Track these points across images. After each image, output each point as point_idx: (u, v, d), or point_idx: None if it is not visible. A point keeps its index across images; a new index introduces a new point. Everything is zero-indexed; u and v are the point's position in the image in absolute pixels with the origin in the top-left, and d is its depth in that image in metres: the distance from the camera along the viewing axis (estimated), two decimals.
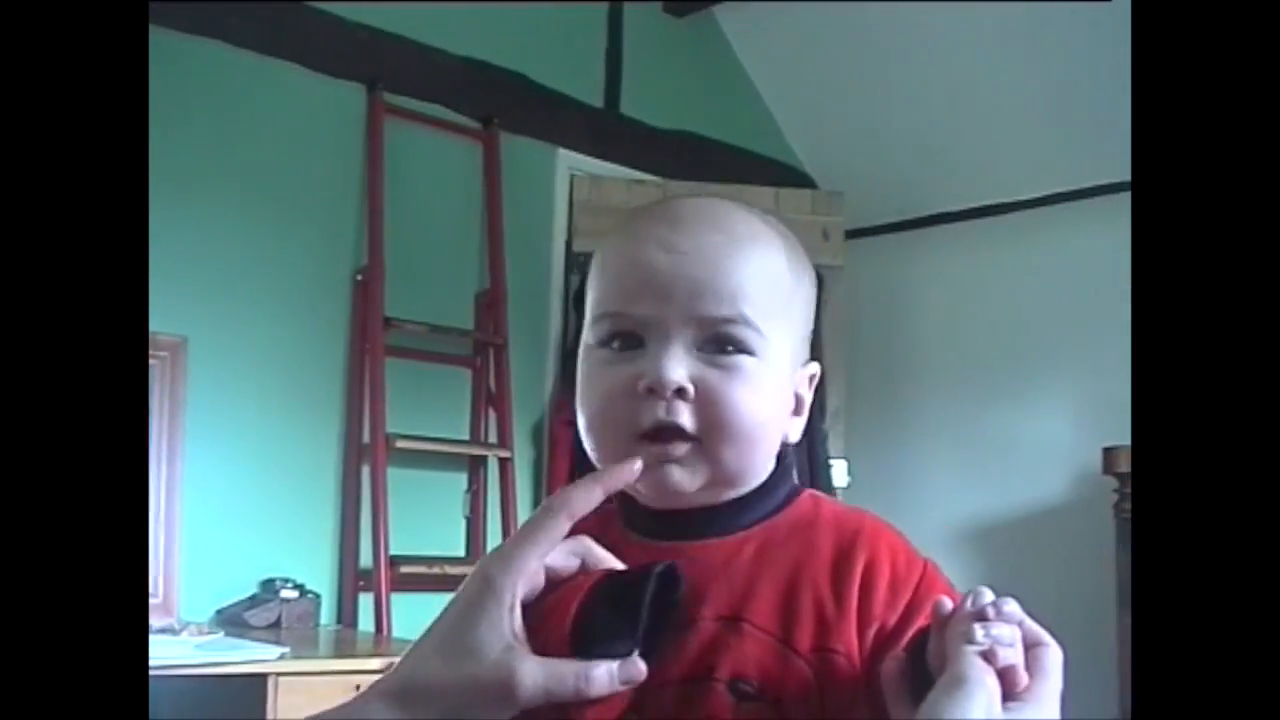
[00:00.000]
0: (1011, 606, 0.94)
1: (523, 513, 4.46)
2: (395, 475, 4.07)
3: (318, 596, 3.86)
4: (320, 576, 4.01)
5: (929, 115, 5.00)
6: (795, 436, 1.14)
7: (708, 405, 1.04)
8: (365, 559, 4.03)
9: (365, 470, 4.10)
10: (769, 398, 1.08)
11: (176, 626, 3.27)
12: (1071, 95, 4.62)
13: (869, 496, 4.11)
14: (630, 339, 1.08)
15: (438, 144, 4.48)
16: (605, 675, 0.96)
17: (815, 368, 1.16)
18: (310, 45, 4.13)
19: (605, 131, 4.95)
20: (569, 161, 4.84)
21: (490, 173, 4.54)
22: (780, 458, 1.12)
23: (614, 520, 1.12)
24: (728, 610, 1.03)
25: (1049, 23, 4.44)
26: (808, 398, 1.15)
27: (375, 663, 3.27)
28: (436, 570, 4.06)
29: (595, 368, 1.10)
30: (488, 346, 4.47)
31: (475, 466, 4.46)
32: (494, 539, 4.33)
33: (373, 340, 4.11)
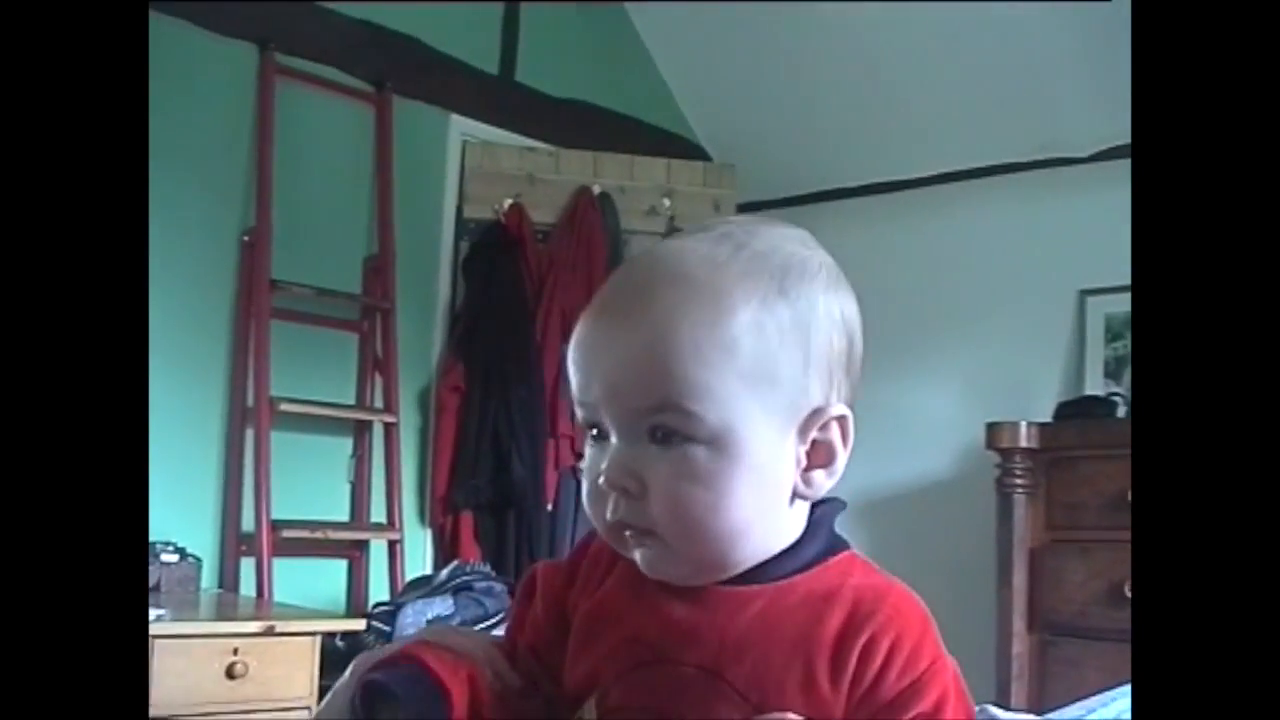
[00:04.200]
0: None
1: (407, 479, 4.45)
2: (279, 439, 4.04)
3: (199, 560, 3.83)
4: (202, 540, 3.98)
5: (825, 91, 5.03)
6: (819, 492, 1.01)
7: (655, 505, 0.96)
8: (247, 523, 4.01)
9: (249, 433, 4.07)
10: (730, 487, 0.96)
11: None
12: (967, 76, 4.68)
13: None
14: (599, 427, 1.00)
15: (329, 106, 4.44)
16: None
17: (839, 410, 1.01)
18: (202, 3, 4.07)
19: (499, 98, 4.94)
20: (461, 127, 4.83)
21: (382, 137, 4.52)
22: (820, 517, 1.03)
23: None
24: (710, 663, 0.97)
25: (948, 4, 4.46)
26: (837, 443, 1.01)
27: (254, 626, 3.26)
28: (319, 535, 4.01)
29: (587, 453, 1.03)
30: (375, 311, 4.45)
31: (360, 431, 4.44)
32: (378, 504, 4.32)
33: (259, 302, 4.08)
